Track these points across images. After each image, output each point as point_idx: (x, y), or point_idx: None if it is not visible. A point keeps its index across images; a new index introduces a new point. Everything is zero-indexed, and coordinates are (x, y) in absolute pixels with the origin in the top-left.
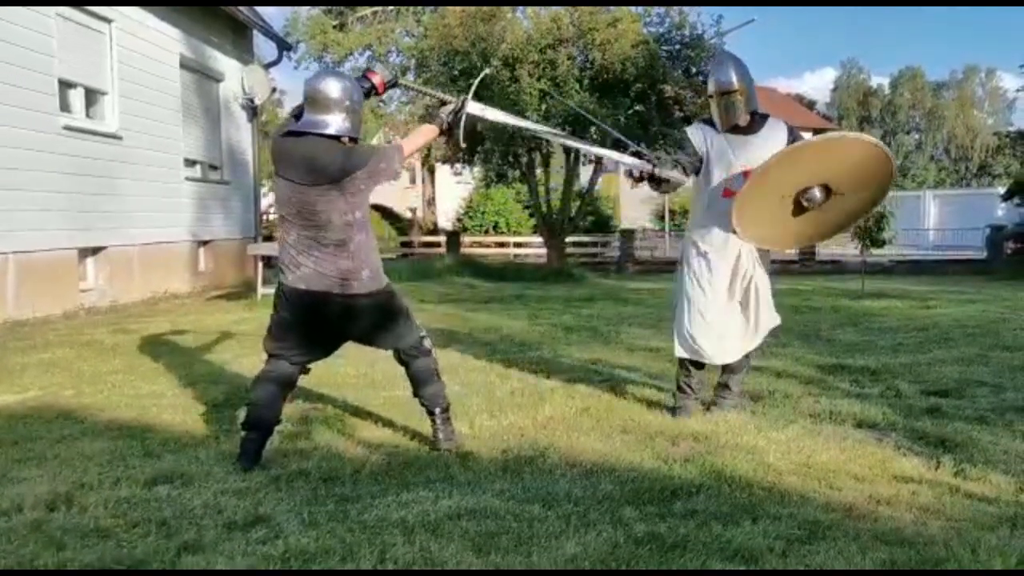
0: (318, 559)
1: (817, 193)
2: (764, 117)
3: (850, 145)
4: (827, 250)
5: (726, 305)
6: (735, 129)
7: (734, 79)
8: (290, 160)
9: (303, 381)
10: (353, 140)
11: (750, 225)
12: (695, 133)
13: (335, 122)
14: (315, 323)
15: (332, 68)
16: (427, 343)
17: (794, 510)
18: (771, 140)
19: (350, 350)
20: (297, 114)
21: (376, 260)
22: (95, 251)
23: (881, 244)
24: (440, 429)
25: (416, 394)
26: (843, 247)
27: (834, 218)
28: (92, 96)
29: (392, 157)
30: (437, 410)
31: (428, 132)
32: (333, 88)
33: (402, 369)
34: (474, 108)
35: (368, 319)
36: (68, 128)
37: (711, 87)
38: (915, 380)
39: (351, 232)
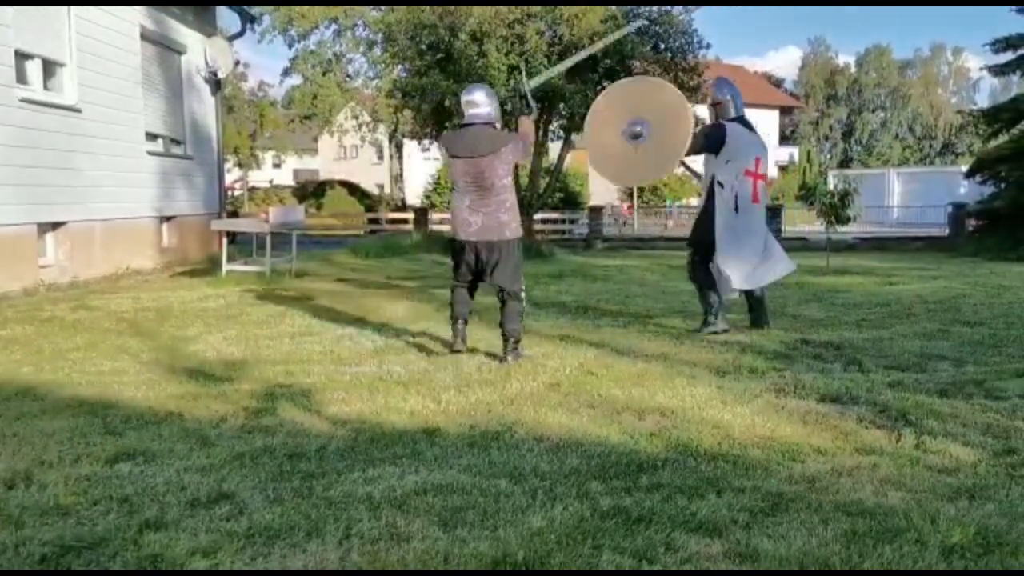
0: (283, 535)
1: (638, 128)
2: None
3: (654, 89)
4: (793, 228)
5: None
6: None
7: (725, 95)
8: (462, 142)
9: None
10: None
11: (602, 163)
12: None
13: (487, 113)
14: (476, 262)
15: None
16: (523, 295)
17: (758, 482)
18: None
19: (315, 327)
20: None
21: (519, 216)
22: (55, 226)
23: (846, 221)
24: (508, 351)
25: (501, 324)
26: (810, 224)
27: (665, 152)
28: (50, 68)
29: (527, 142)
30: (511, 340)
31: (527, 122)
32: (481, 92)
33: (368, 345)
34: (530, 84)
35: (505, 261)
36: (25, 100)
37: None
38: (878, 354)
39: (508, 194)
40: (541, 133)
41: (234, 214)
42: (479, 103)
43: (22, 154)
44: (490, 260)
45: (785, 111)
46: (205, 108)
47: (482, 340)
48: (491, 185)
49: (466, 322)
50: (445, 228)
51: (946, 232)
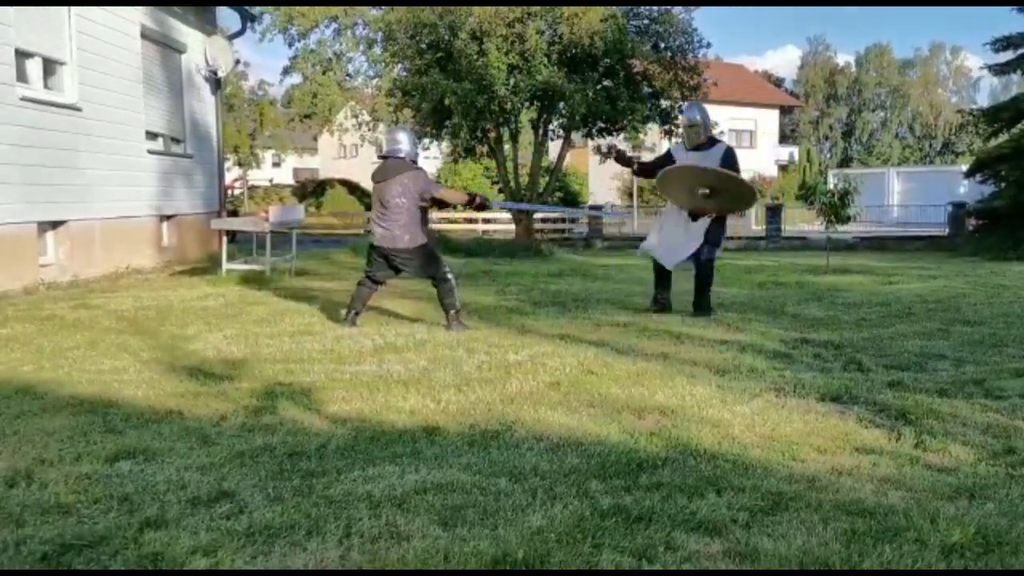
0: (283, 534)
1: (706, 190)
2: (713, 140)
3: (739, 184)
4: (793, 227)
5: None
6: (697, 147)
7: (697, 117)
8: (378, 170)
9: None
10: (414, 162)
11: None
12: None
13: (404, 150)
14: (385, 260)
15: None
16: (448, 276)
17: (758, 482)
18: (712, 154)
19: (315, 326)
20: (382, 156)
21: (416, 230)
22: (55, 225)
23: (846, 220)
24: (450, 321)
25: (440, 301)
26: (810, 223)
27: (712, 207)
28: (50, 66)
29: (431, 184)
30: (451, 312)
31: (460, 196)
32: (403, 133)
33: (368, 344)
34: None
35: (410, 261)
36: (25, 99)
37: (683, 121)
38: (877, 354)
39: (402, 213)
40: (541, 132)
41: (234, 213)
42: (399, 141)
43: (22, 153)
44: (399, 260)
45: (785, 110)
46: (205, 107)
47: (482, 339)
48: (387, 203)
49: (358, 314)
50: (443, 227)
51: (946, 231)
